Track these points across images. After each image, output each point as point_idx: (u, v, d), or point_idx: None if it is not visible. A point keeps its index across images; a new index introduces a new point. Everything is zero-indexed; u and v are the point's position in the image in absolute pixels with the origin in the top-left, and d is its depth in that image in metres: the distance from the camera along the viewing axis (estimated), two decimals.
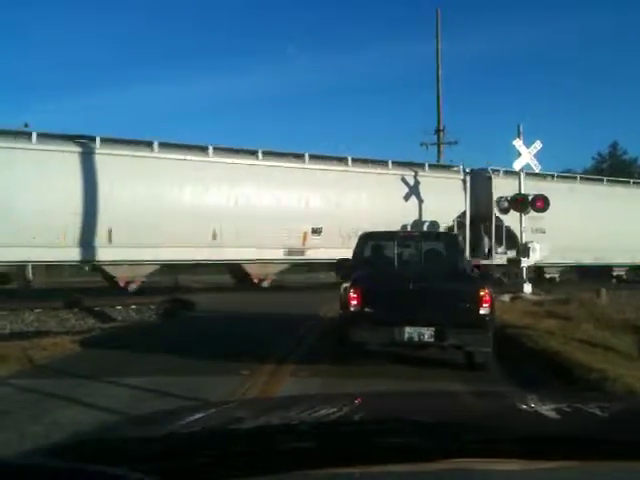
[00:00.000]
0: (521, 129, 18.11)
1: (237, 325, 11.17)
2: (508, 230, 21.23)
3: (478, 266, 13.81)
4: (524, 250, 17.68)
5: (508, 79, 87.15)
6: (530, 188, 18.56)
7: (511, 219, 20.02)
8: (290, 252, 19.60)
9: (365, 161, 21.66)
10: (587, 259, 23.92)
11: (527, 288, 17.19)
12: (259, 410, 1.77)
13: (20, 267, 17.00)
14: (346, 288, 7.49)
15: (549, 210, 18.06)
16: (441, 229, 20.25)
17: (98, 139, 16.95)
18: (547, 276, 23.41)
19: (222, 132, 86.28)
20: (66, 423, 4.87)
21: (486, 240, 22.25)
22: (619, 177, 29.49)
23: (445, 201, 21.25)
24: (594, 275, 24.27)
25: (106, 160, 16.67)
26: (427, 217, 21.05)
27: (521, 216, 17.87)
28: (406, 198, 21.08)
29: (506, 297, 15.51)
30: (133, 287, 17.71)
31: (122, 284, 17.54)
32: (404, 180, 21.32)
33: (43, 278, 21.46)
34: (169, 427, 1.49)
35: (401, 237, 9.46)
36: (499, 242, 21.73)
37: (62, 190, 15.95)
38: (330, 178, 20.12)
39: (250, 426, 1.48)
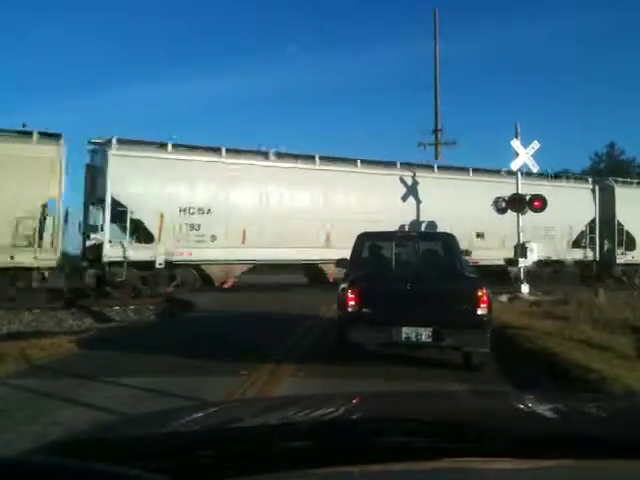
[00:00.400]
0: (519, 129, 18.12)
1: (236, 325, 11.16)
2: (628, 233, 25.18)
3: None
4: (522, 250, 17.69)
5: (507, 79, 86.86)
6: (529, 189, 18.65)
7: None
8: None
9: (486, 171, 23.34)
10: None
11: (525, 288, 17.20)
12: (258, 410, 1.78)
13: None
14: (344, 289, 7.49)
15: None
16: (574, 234, 24.35)
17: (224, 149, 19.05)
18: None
19: (222, 132, 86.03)
20: (65, 423, 4.87)
21: (606, 242, 25.79)
22: (619, 177, 29.43)
23: (577, 209, 24.23)
24: None
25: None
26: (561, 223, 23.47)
27: (518, 216, 17.88)
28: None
29: (504, 297, 15.56)
30: (227, 285, 18.95)
31: (217, 284, 18.75)
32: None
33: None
34: (168, 426, 1.50)
35: (399, 237, 9.45)
36: (620, 244, 25.47)
37: None
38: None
39: (249, 425, 1.49)
